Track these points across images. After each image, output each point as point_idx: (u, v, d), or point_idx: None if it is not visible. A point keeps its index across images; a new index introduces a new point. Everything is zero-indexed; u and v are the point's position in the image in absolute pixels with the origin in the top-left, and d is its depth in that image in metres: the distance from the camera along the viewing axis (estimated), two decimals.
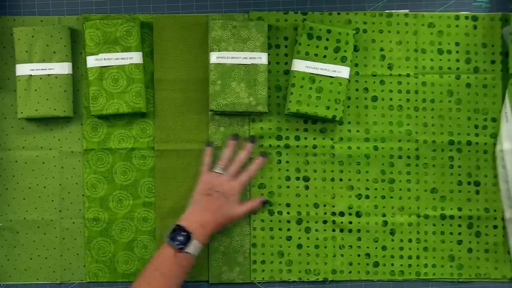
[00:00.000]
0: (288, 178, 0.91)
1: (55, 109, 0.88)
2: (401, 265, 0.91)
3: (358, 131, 0.91)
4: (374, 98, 0.91)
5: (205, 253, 0.90)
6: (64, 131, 0.91)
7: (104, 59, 0.87)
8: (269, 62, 0.90)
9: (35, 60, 0.88)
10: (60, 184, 0.90)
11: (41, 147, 0.90)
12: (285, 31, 0.91)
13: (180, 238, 0.79)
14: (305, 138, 0.91)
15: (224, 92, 0.88)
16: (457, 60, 0.91)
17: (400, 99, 0.91)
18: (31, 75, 0.88)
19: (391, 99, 0.91)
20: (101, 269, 0.90)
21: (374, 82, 0.91)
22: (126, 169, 0.90)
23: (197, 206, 0.84)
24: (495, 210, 0.91)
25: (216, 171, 0.86)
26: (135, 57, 0.88)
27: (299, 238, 0.90)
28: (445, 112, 0.91)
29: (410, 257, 0.91)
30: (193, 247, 0.80)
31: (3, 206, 0.90)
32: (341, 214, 0.90)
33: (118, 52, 0.87)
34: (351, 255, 0.90)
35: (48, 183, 0.90)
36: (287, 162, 0.91)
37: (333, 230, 0.90)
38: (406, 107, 0.91)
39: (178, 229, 0.81)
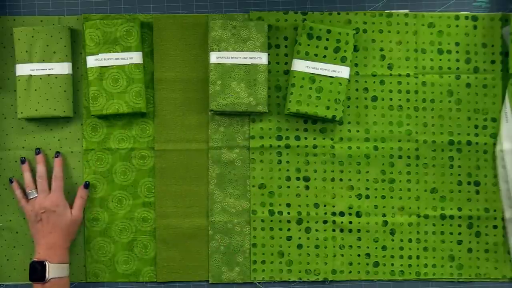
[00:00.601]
0: (288, 178, 0.91)
1: (55, 109, 0.88)
2: (401, 265, 0.91)
3: (358, 131, 0.91)
4: (374, 98, 0.91)
5: (205, 253, 0.90)
6: (64, 131, 0.91)
7: (104, 59, 0.87)
8: (269, 62, 0.90)
9: (35, 60, 0.88)
10: None
11: (41, 147, 0.90)
12: (285, 31, 0.91)
13: (38, 271, 0.81)
14: (305, 138, 0.91)
15: (224, 92, 0.88)
16: (457, 60, 0.91)
17: (400, 99, 0.91)
18: (31, 75, 0.88)
19: (391, 99, 0.91)
20: (101, 269, 0.90)
21: (374, 82, 0.91)
22: (126, 169, 0.90)
23: (38, 236, 0.85)
24: (495, 210, 0.91)
25: (30, 198, 0.87)
26: (135, 57, 0.88)
27: (299, 238, 0.90)
28: (445, 112, 0.91)
29: (410, 257, 0.91)
30: (56, 270, 0.82)
31: (3, 206, 0.90)
32: (341, 214, 0.90)
33: (118, 52, 0.87)
34: (351, 255, 0.90)
35: (48, 183, 0.90)
36: (287, 162, 0.91)
37: (333, 230, 0.90)
38: (406, 107, 0.91)
39: (32, 266, 0.82)
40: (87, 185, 0.89)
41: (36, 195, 0.86)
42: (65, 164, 0.90)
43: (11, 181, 0.89)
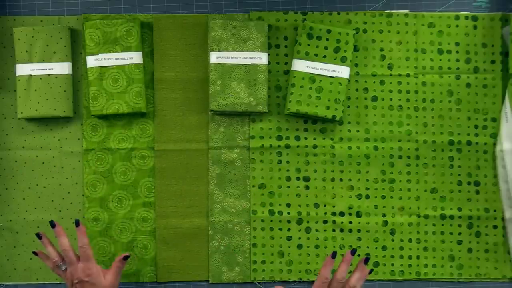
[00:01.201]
0: (288, 178, 0.91)
1: (55, 109, 0.88)
2: (401, 265, 0.91)
3: (358, 131, 0.91)
4: (374, 98, 0.91)
5: (205, 253, 0.90)
6: (64, 131, 0.91)
7: (104, 59, 0.87)
8: (269, 62, 0.90)
9: (35, 60, 0.88)
10: (60, 184, 0.90)
11: (41, 147, 0.90)
12: (285, 31, 0.91)
13: None
14: (305, 138, 0.91)
15: (224, 92, 0.88)
16: (457, 60, 0.91)
17: (400, 99, 0.91)
18: (31, 75, 0.88)
19: (391, 99, 0.91)
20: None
21: (374, 82, 0.91)
22: (126, 169, 0.90)
23: None
24: (495, 210, 0.91)
25: (61, 270, 0.83)
26: (135, 57, 0.88)
27: (299, 238, 0.90)
28: (445, 112, 0.91)
29: (410, 257, 0.91)
30: None
31: (3, 206, 0.90)
32: (341, 214, 0.90)
33: (118, 52, 0.87)
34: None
35: (48, 183, 0.90)
36: (288, 162, 0.91)
37: (333, 230, 0.90)
38: (406, 107, 0.91)
39: None
40: (126, 257, 0.85)
41: (64, 268, 0.83)
42: (65, 164, 0.90)
43: (35, 254, 0.85)
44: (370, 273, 0.81)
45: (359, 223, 0.90)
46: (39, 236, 0.83)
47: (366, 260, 0.80)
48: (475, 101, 0.91)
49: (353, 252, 0.80)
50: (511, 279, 0.91)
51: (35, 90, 0.88)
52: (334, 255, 0.79)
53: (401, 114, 0.91)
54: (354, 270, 0.80)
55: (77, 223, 0.82)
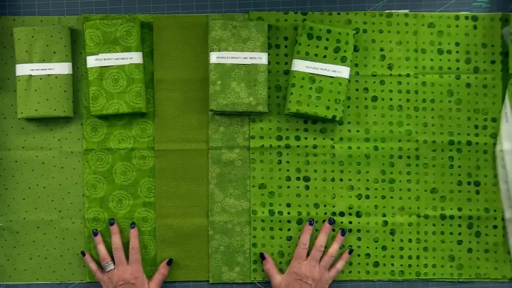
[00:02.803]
0: (288, 178, 0.91)
1: (55, 109, 0.88)
2: (401, 265, 0.91)
3: (358, 131, 0.91)
4: (374, 98, 0.91)
5: (205, 253, 0.90)
6: (64, 131, 0.91)
7: (104, 59, 0.87)
8: (269, 62, 0.90)
9: (35, 60, 0.88)
10: (60, 184, 0.90)
11: (41, 147, 0.90)
12: (285, 31, 0.91)
13: None
14: (305, 138, 0.91)
15: (224, 92, 0.88)
16: (457, 60, 0.91)
17: (400, 99, 0.91)
18: (31, 75, 0.88)
19: (391, 99, 0.91)
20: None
21: (374, 82, 0.91)
22: (126, 169, 0.90)
23: None
24: (495, 210, 0.91)
25: (107, 270, 0.85)
26: (135, 57, 0.88)
27: (299, 238, 0.90)
28: (445, 112, 0.91)
29: (410, 257, 0.91)
30: None
31: (3, 206, 0.90)
32: (341, 214, 0.90)
33: (118, 52, 0.87)
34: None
35: (48, 183, 0.90)
36: (288, 162, 0.91)
37: (333, 230, 0.90)
38: (406, 107, 0.91)
39: None
40: (170, 262, 0.88)
41: (113, 267, 0.85)
42: (65, 164, 0.90)
43: (83, 254, 0.87)
44: (350, 253, 0.89)
45: (359, 223, 0.90)
46: (95, 232, 0.86)
47: (343, 233, 0.89)
48: (475, 101, 0.91)
49: (331, 221, 0.87)
50: (511, 279, 0.91)
51: (35, 90, 0.88)
52: (311, 222, 0.86)
53: (401, 114, 0.91)
54: (333, 241, 0.88)
55: (132, 226, 0.86)
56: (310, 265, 0.85)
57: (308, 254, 0.87)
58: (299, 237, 0.90)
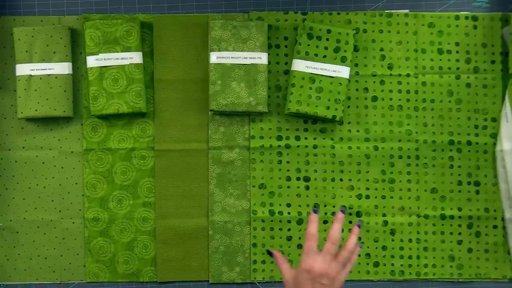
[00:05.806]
0: (288, 178, 0.91)
1: (55, 109, 0.88)
2: (401, 265, 0.91)
3: (358, 131, 0.91)
4: (374, 98, 0.91)
5: (205, 253, 0.90)
6: (64, 131, 0.91)
7: (104, 59, 0.87)
8: (269, 62, 0.90)
9: (35, 60, 0.88)
10: (60, 184, 0.90)
11: (41, 147, 0.90)
12: (285, 31, 0.91)
13: None
14: (305, 138, 0.91)
15: (224, 92, 0.88)
16: (457, 60, 0.91)
17: (400, 99, 0.91)
18: (31, 75, 0.88)
19: (391, 99, 0.91)
20: (101, 269, 0.90)
21: (374, 82, 0.91)
22: (126, 169, 0.90)
23: None
24: (495, 210, 0.91)
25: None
26: (135, 57, 0.88)
27: (299, 238, 0.90)
28: (445, 112, 0.91)
29: (410, 257, 0.91)
30: None
31: (3, 206, 0.90)
32: None
33: (118, 52, 0.87)
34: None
35: (48, 183, 0.90)
36: (288, 162, 0.91)
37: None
38: (406, 107, 0.91)
39: None
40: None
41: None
42: (65, 164, 0.90)
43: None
44: (361, 246, 0.75)
45: None
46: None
47: (360, 225, 0.75)
48: (475, 101, 0.91)
49: (344, 211, 0.74)
50: (511, 279, 0.91)
51: (35, 90, 0.88)
52: (316, 210, 0.73)
53: (401, 114, 0.91)
54: (351, 233, 0.74)
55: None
56: (325, 261, 0.71)
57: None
58: (299, 237, 0.90)
